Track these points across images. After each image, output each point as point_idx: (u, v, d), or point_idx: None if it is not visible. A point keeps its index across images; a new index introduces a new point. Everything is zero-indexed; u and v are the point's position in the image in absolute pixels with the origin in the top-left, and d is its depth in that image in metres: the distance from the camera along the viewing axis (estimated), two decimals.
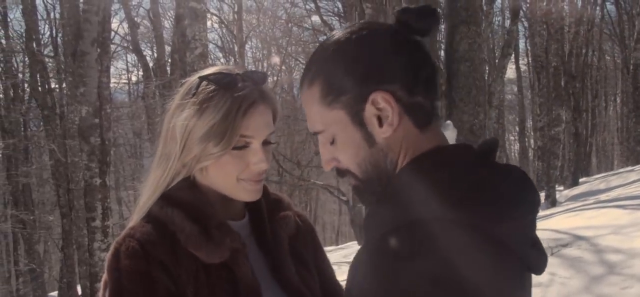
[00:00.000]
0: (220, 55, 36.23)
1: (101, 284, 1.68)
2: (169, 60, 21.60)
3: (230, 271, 1.67)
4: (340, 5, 29.34)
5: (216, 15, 31.28)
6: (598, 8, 30.43)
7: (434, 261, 1.17)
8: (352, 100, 1.36)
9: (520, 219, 1.29)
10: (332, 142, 1.41)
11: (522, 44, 35.24)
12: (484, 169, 1.31)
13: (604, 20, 33.70)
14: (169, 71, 20.47)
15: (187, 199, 1.70)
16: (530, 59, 31.96)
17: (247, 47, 32.66)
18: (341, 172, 1.44)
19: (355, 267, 1.29)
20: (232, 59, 34.86)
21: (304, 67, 1.47)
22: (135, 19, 23.92)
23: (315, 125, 1.43)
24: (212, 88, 1.70)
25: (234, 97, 1.67)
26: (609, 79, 40.00)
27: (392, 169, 1.38)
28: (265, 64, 41.02)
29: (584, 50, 27.51)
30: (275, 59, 35.57)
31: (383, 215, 1.30)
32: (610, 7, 33.76)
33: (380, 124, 1.35)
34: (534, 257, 1.33)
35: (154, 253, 1.61)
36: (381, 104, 1.34)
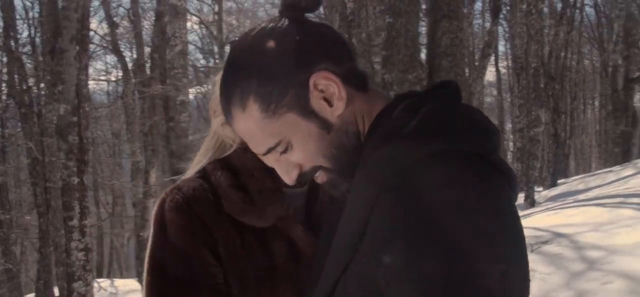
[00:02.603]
0: (200, 56, 36.11)
1: (150, 232, 1.70)
2: (149, 60, 21.48)
3: (282, 234, 1.68)
4: (321, 8, 29.34)
5: (196, 16, 31.13)
6: (577, 11, 30.60)
7: (467, 187, 1.15)
8: (295, 96, 1.31)
9: (499, 149, 1.30)
10: (286, 150, 1.36)
11: (502, 47, 35.46)
12: (458, 105, 1.30)
13: (583, 24, 33.90)
14: (148, 71, 20.35)
15: (237, 164, 1.70)
16: (509, 62, 32.17)
17: (227, 48, 32.51)
18: (308, 175, 1.39)
19: (381, 220, 1.18)
20: (212, 60, 34.81)
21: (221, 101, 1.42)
22: (114, 19, 23.80)
23: (267, 143, 1.36)
24: None
25: None
26: (587, 82, 40.24)
27: (356, 140, 1.34)
28: None
29: (563, 53, 27.66)
30: None
31: (391, 156, 1.22)
32: (589, 10, 34.03)
33: (330, 104, 1.32)
34: (516, 184, 1.32)
35: (196, 209, 1.62)
36: (322, 84, 1.31)
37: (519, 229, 1.22)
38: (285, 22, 1.35)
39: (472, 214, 1.12)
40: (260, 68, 1.32)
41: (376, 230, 1.17)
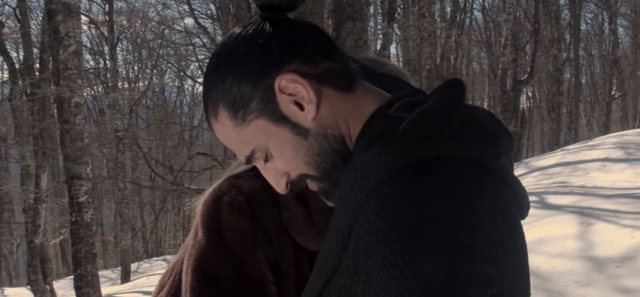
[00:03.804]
0: (89, 57, 35.28)
1: (190, 233, 1.51)
2: (37, 61, 20.82)
3: None
4: (213, 8, 29.19)
5: (85, 16, 30.38)
6: (467, 14, 31.44)
7: (457, 200, 1.06)
8: (262, 101, 1.24)
9: (507, 155, 1.23)
10: (268, 159, 1.28)
11: (392, 48, 36.05)
12: (459, 105, 1.20)
13: (472, 27, 34.85)
14: (37, 73, 19.73)
15: None
16: (401, 64, 32.72)
17: (117, 49, 31.94)
18: (297, 183, 1.30)
19: (359, 224, 1.10)
20: (103, 61, 34.11)
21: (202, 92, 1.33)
22: (0, 17, 23.00)
23: (244, 150, 1.29)
24: None
25: None
26: (476, 84, 41.37)
27: (340, 145, 1.25)
28: (136, 67, 40.39)
29: (453, 56, 28.35)
30: None
31: (378, 160, 1.12)
32: (477, 13, 35.00)
33: (301, 108, 1.23)
34: (523, 198, 1.25)
35: (261, 217, 1.43)
36: (290, 87, 1.22)
37: (519, 245, 1.17)
38: (257, 23, 1.28)
39: (463, 231, 1.05)
40: (225, 74, 1.26)
41: (357, 242, 1.08)
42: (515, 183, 1.22)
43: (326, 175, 1.26)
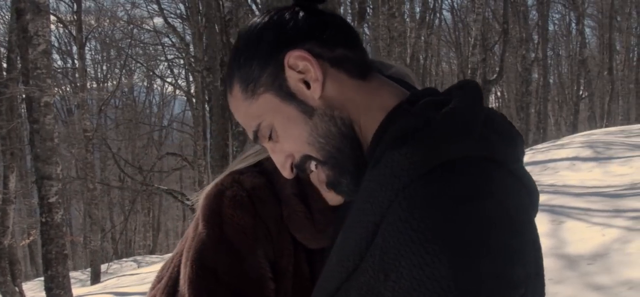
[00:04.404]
0: (57, 57, 34.98)
1: (190, 226, 1.49)
2: (5, 60, 20.62)
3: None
4: (182, 7, 29.10)
5: (53, 15, 30.12)
6: (437, 15, 31.61)
7: (491, 201, 1.07)
8: (271, 75, 1.26)
9: (522, 157, 1.24)
10: (272, 137, 1.30)
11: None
12: (481, 107, 1.19)
13: (441, 28, 35.02)
14: (5, 72, 19.54)
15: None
16: None
17: (86, 48, 31.70)
18: (301, 166, 1.30)
19: (383, 227, 1.09)
20: (71, 61, 33.84)
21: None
22: None
23: (251, 125, 1.31)
24: None
25: None
26: (445, 84, 41.57)
27: (348, 128, 1.25)
28: (104, 67, 40.11)
29: (423, 56, 28.48)
30: None
31: (410, 159, 1.10)
32: (446, 14, 35.20)
33: (309, 86, 1.24)
34: (537, 198, 1.25)
35: (262, 213, 1.42)
36: (299, 64, 1.24)
37: (538, 246, 1.17)
38: (285, 8, 1.31)
39: (497, 232, 1.05)
40: (243, 49, 1.30)
41: (386, 240, 1.07)
42: (530, 182, 1.23)
43: (331, 159, 1.26)
